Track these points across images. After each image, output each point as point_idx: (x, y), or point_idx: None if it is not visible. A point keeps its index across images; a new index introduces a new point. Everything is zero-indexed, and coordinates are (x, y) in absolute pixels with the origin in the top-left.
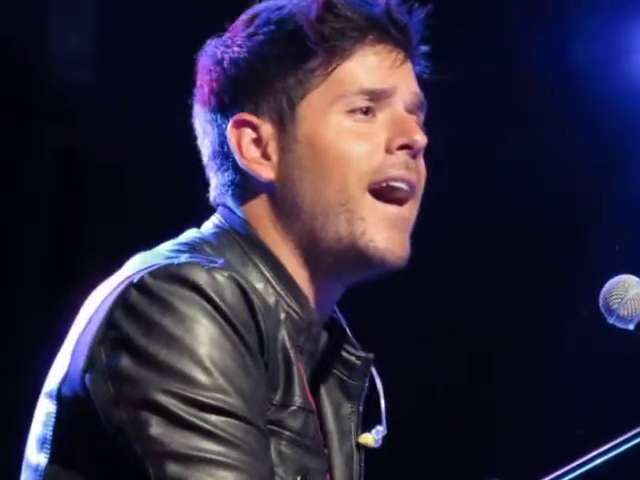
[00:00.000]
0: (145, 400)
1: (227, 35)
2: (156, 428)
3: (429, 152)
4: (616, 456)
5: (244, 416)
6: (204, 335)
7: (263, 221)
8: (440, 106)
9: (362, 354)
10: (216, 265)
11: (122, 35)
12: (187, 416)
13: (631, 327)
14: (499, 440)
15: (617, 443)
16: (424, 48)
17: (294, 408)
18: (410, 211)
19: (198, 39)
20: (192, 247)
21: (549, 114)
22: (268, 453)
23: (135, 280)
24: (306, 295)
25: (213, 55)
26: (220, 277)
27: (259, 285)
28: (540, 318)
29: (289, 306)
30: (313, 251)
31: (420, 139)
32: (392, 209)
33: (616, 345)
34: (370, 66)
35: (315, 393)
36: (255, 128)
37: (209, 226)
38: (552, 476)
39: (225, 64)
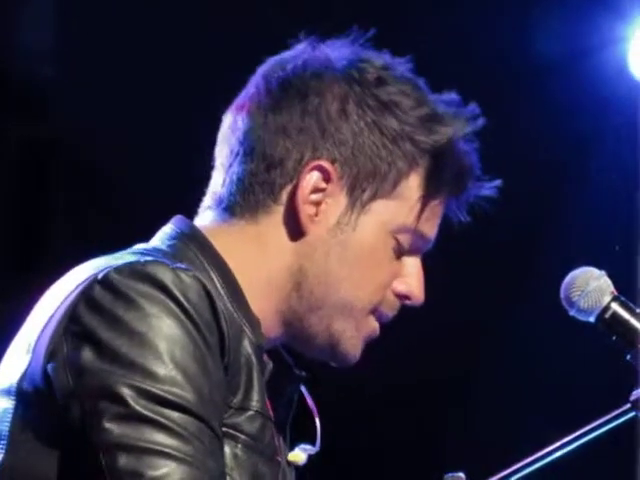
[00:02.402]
0: (103, 391)
1: (373, 79)
2: (111, 419)
3: None
4: (578, 447)
5: (200, 414)
6: (166, 332)
7: (263, 266)
8: None
9: (296, 373)
10: (181, 266)
11: (86, 27)
12: (142, 409)
13: (592, 319)
14: (461, 434)
15: (579, 434)
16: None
17: (251, 413)
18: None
19: (163, 29)
20: (153, 251)
21: (510, 111)
22: (220, 455)
23: (100, 277)
24: (258, 318)
25: (364, 82)
26: (185, 277)
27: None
28: (505, 309)
29: (242, 327)
30: (291, 317)
31: (421, 302)
32: (372, 334)
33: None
34: (437, 217)
35: None
36: (328, 181)
37: (163, 237)
38: (513, 468)
39: (344, 111)
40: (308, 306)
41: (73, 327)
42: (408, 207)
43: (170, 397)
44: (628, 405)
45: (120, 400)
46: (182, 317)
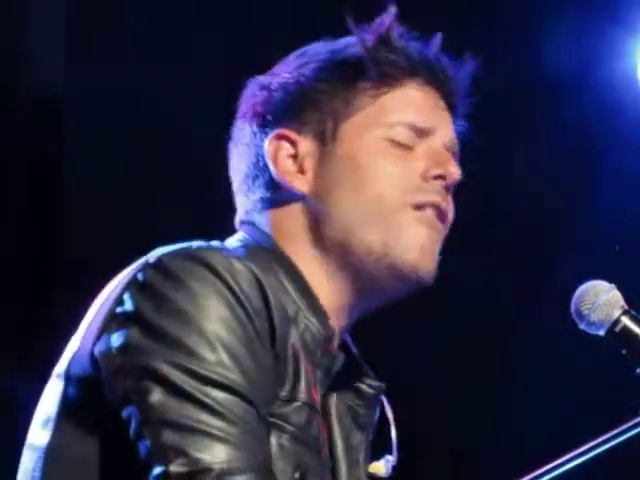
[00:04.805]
0: (149, 369)
1: (274, 68)
2: (157, 396)
3: None
4: (594, 457)
5: (246, 395)
6: (214, 314)
7: (292, 235)
8: None
9: (374, 383)
10: (235, 254)
11: (92, 41)
12: (189, 388)
13: (601, 333)
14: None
15: (589, 447)
16: (466, 103)
17: (299, 404)
18: (440, 234)
19: (170, 44)
20: (213, 244)
21: (521, 123)
22: (264, 436)
23: (151, 260)
24: (326, 311)
25: (259, 83)
26: (237, 264)
27: (279, 296)
28: (517, 323)
29: (308, 319)
30: (343, 264)
31: (455, 171)
32: (431, 216)
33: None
34: (416, 102)
35: (326, 417)
36: (294, 143)
37: (232, 242)
38: (531, 476)
39: (272, 87)
40: (338, 243)
41: (121, 308)
42: (372, 113)
43: (216, 377)
44: (638, 419)
45: (165, 379)
46: (231, 300)
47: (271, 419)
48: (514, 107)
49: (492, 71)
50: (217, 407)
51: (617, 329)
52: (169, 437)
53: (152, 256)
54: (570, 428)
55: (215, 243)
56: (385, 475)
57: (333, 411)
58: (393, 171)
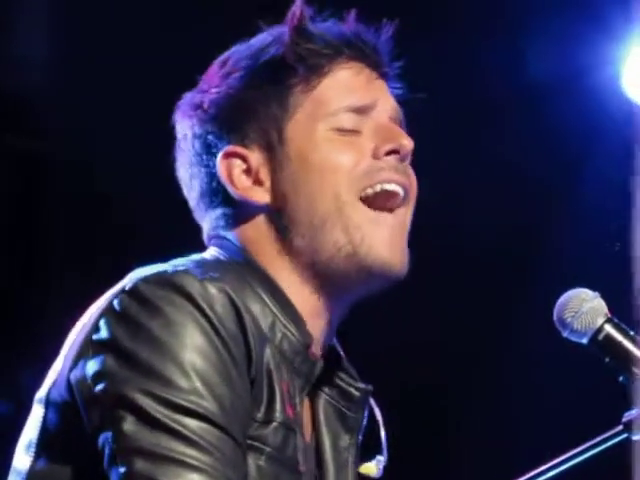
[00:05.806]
0: (122, 398)
1: (201, 83)
2: (130, 425)
3: None
4: (570, 468)
5: (219, 423)
6: (189, 341)
7: (260, 245)
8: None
9: (361, 385)
10: (210, 276)
11: (83, 39)
12: (161, 417)
13: (584, 341)
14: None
15: (571, 455)
16: (395, 67)
17: (275, 424)
18: (405, 217)
19: (160, 43)
20: (189, 262)
21: (504, 132)
22: (240, 463)
23: (128, 287)
24: (303, 318)
25: (191, 102)
26: (212, 288)
27: (256, 307)
28: (498, 331)
29: (286, 327)
30: (313, 266)
31: (407, 143)
32: (387, 216)
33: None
34: (349, 83)
35: (314, 421)
36: (244, 159)
37: (206, 257)
38: None
39: (205, 106)
40: (305, 246)
41: (97, 335)
42: (311, 107)
43: (189, 405)
44: (620, 427)
45: (139, 407)
46: (206, 327)
47: (249, 441)
48: (497, 115)
49: (482, 79)
50: (190, 435)
51: (600, 337)
52: (141, 466)
53: (129, 282)
54: (552, 437)
55: (195, 257)
56: (376, 476)
57: (321, 415)
58: (344, 160)
